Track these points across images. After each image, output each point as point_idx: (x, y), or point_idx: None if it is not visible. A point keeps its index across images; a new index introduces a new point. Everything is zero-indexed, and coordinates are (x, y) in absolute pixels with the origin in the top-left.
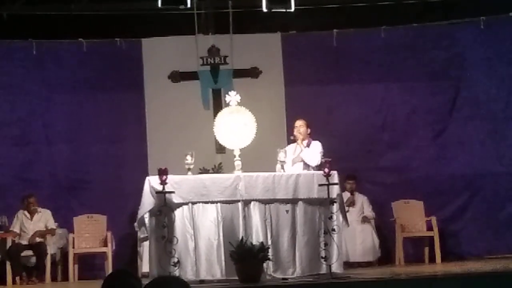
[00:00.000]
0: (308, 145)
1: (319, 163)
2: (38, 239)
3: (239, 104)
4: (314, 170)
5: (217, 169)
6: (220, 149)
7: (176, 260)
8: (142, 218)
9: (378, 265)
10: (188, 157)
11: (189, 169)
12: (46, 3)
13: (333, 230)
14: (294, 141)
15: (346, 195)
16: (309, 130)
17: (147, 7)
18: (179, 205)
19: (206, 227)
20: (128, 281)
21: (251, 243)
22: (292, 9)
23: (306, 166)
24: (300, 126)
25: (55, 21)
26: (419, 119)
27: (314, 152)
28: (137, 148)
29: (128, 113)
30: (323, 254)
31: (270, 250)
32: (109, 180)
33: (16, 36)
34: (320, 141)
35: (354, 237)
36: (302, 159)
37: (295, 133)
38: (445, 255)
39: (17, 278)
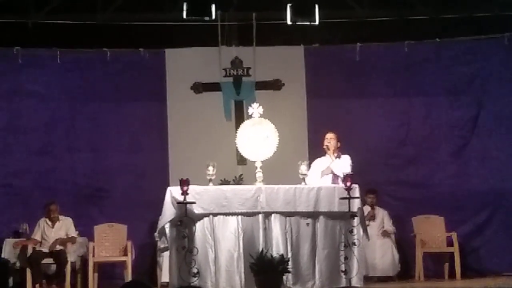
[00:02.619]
0: (338, 158)
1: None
2: (58, 247)
3: (261, 116)
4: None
5: (238, 181)
6: (241, 160)
7: (196, 270)
8: (163, 228)
9: (397, 280)
10: (210, 168)
11: (210, 180)
12: (71, 12)
13: (354, 243)
14: (321, 153)
15: (367, 209)
16: (339, 144)
17: (171, 18)
18: (200, 216)
19: (226, 238)
20: None
21: (271, 255)
22: (317, 22)
23: (335, 178)
24: (331, 139)
25: (79, 30)
26: (441, 134)
27: (345, 164)
28: (158, 158)
29: (150, 123)
30: (343, 267)
31: (290, 263)
32: (130, 189)
33: (41, 44)
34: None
35: (374, 251)
36: (332, 171)
37: (325, 144)
38: (465, 271)
39: (37, 286)
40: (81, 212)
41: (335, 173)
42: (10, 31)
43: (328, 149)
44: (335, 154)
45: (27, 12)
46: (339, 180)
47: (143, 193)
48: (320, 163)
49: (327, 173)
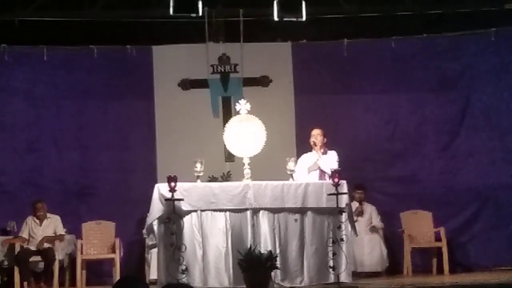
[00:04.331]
0: (324, 154)
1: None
2: (46, 245)
3: (249, 112)
4: (330, 177)
5: (226, 177)
6: (229, 157)
7: (184, 267)
8: (151, 225)
9: (386, 276)
10: (198, 165)
11: (198, 177)
12: (58, 9)
13: (342, 239)
14: (308, 149)
15: (355, 205)
16: (325, 140)
17: (158, 14)
18: (188, 212)
19: (214, 235)
20: (136, 286)
21: (259, 252)
22: (303, 19)
23: (322, 174)
24: (317, 135)
25: (66, 27)
26: (428, 129)
27: (332, 160)
28: (146, 155)
29: (137, 120)
30: (331, 263)
31: (278, 259)
32: (118, 186)
33: (27, 41)
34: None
35: (362, 247)
36: (319, 167)
37: (311, 141)
38: (453, 266)
39: (25, 284)
40: (69, 210)
41: (322, 169)
42: None
43: (315, 145)
44: (322, 150)
45: (13, 9)
46: (326, 176)
47: (131, 190)
48: (307, 159)
49: (314, 169)
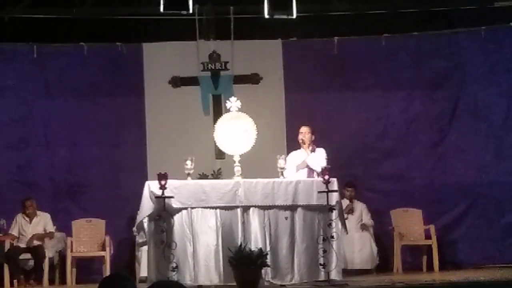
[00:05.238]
0: (313, 151)
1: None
2: (36, 242)
3: (239, 110)
4: (319, 175)
5: (217, 175)
6: (220, 154)
7: (174, 265)
8: (141, 222)
9: (376, 273)
10: (188, 162)
11: (188, 174)
12: (48, 6)
13: (332, 237)
14: (299, 147)
15: (345, 202)
16: (313, 137)
17: (149, 12)
18: (178, 210)
19: (205, 232)
20: (124, 284)
21: (250, 249)
22: (294, 16)
23: (311, 172)
24: (305, 133)
25: (56, 25)
26: (418, 127)
27: (320, 157)
28: (136, 152)
29: (128, 117)
30: (321, 261)
31: (268, 257)
32: (108, 184)
33: (17, 39)
34: (323, 148)
35: (353, 244)
36: (307, 164)
37: (300, 138)
38: (443, 263)
39: (15, 281)
40: (59, 207)
41: (311, 167)
42: None
43: (303, 143)
44: (310, 148)
45: (3, 6)
46: (315, 174)
47: (121, 188)
48: (295, 156)
49: (303, 167)
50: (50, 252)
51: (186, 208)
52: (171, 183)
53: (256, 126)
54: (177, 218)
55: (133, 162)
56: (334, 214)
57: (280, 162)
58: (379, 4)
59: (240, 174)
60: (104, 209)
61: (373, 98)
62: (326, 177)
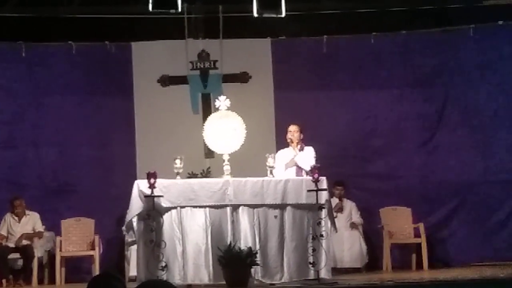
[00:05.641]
0: (301, 150)
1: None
2: (25, 242)
3: (229, 109)
4: (307, 174)
5: (206, 174)
6: (209, 153)
7: (163, 264)
8: (130, 222)
9: (365, 271)
10: (177, 161)
11: (177, 174)
12: (36, 5)
13: (321, 235)
14: (287, 146)
15: (335, 201)
16: (302, 136)
17: (137, 10)
18: (168, 209)
19: (194, 231)
20: (112, 283)
21: (239, 248)
22: (283, 15)
23: (299, 170)
24: (294, 131)
25: (44, 24)
26: (407, 126)
27: (308, 156)
28: (125, 151)
29: (117, 116)
30: (311, 259)
31: (258, 255)
32: (97, 183)
33: (5, 38)
34: (312, 146)
35: (342, 243)
36: (296, 163)
37: (288, 137)
38: (432, 262)
39: (4, 281)
40: (48, 207)
41: (299, 165)
42: None
43: (292, 142)
44: (299, 147)
45: None
46: (303, 173)
47: (110, 187)
48: (284, 155)
49: (291, 166)
50: (39, 251)
51: (175, 207)
52: (160, 182)
53: (245, 125)
54: (166, 217)
55: (122, 161)
56: (324, 213)
57: (270, 161)
58: (367, 3)
59: (230, 173)
60: (93, 208)
61: (362, 96)
62: (316, 175)
